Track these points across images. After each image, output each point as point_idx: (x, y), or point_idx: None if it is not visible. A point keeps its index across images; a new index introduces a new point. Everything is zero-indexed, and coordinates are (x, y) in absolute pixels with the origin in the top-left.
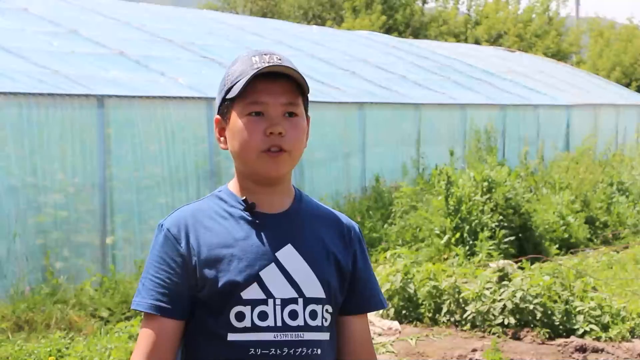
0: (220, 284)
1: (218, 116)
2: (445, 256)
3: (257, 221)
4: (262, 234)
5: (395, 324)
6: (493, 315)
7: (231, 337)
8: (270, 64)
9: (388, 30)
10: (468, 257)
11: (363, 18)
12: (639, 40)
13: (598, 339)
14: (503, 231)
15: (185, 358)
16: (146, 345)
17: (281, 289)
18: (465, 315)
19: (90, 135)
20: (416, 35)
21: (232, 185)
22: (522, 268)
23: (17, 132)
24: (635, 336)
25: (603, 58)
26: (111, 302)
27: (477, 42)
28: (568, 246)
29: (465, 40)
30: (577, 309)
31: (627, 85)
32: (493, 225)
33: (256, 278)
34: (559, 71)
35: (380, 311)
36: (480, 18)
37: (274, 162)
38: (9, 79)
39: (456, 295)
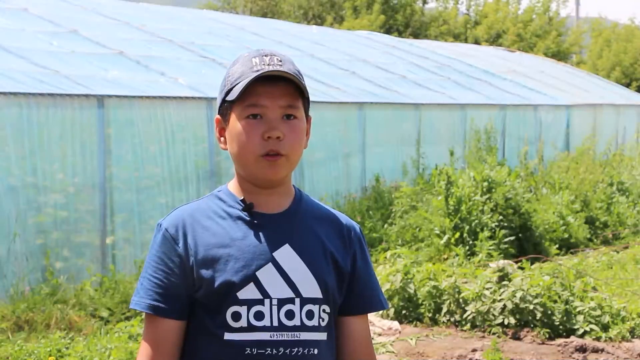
0: (216, 284)
1: (218, 116)
2: (445, 256)
3: (255, 221)
4: (260, 234)
5: (395, 324)
6: (493, 315)
7: (227, 336)
8: (270, 69)
9: (388, 30)
10: (468, 257)
11: (362, 18)
12: (639, 40)
13: (598, 339)
14: (503, 231)
15: (185, 357)
16: (148, 346)
17: (278, 288)
18: (465, 315)
19: (90, 135)
20: (416, 35)
21: (232, 186)
22: (522, 268)
23: (17, 132)
24: (635, 336)
25: (603, 58)
26: (111, 302)
27: (476, 42)
28: (568, 246)
29: (465, 40)
30: (577, 309)
31: (627, 85)
32: (493, 225)
33: (253, 278)
34: (559, 71)
35: (380, 311)
36: (480, 18)
37: (272, 167)
38: (9, 79)
39: (456, 295)
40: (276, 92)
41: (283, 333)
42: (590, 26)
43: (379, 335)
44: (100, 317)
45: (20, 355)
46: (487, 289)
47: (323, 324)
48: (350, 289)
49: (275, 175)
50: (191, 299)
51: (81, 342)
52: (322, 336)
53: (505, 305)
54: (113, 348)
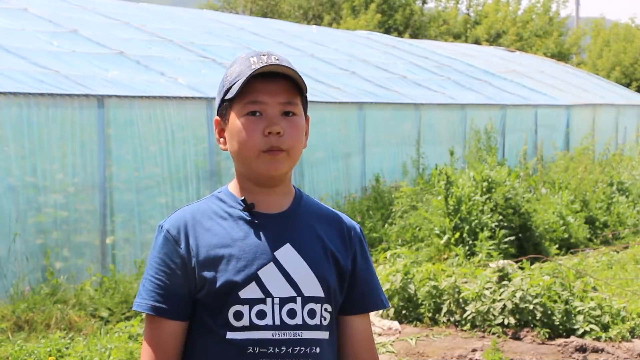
0: (218, 283)
1: (217, 117)
2: (445, 256)
3: (256, 221)
4: (261, 233)
5: (395, 324)
6: (493, 315)
7: (230, 335)
8: (268, 64)
9: (387, 30)
10: (468, 257)
11: (359, 18)
12: (639, 41)
13: (598, 339)
14: (503, 231)
15: (186, 357)
16: (151, 348)
17: (280, 288)
18: (465, 315)
19: (90, 135)
20: (416, 35)
21: (232, 186)
22: (522, 268)
23: (17, 132)
24: (635, 336)
25: (603, 58)
26: (111, 302)
27: (476, 42)
28: (568, 246)
29: (465, 41)
30: (577, 309)
31: (627, 85)
32: (493, 225)
33: (254, 277)
34: (559, 71)
35: (380, 311)
36: (480, 18)
37: (273, 162)
38: (10, 79)
39: (456, 295)
40: (275, 89)
41: (285, 332)
42: (590, 27)
43: (379, 335)
44: (100, 317)
45: (20, 355)
46: (487, 289)
47: (325, 322)
48: (350, 288)
49: (276, 170)
50: (193, 299)
51: (81, 342)
52: (324, 335)
53: (505, 305)
54: (113, 348)
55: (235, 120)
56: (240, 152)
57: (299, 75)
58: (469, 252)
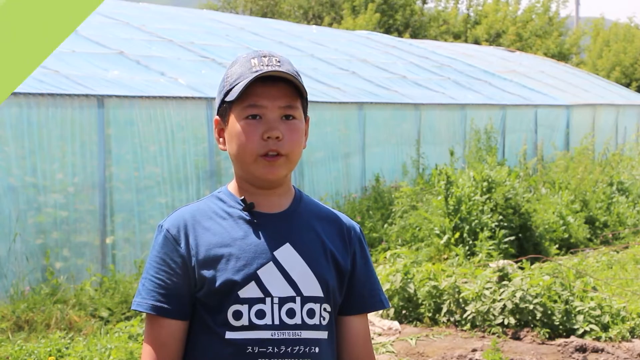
0: (217, 283)
1: (217, 117)
2: (445, 256)
3: (255, 221)
4: (261, 233)
5: (395, 324)
6: (493, 315)
7: (229, 335)
8: (269, 69)
9: (387, 30)
10: (468, 257)
11: (359, 18)
12: (639, 40)
13: (598, 339)
14: (503, 231)
15: (186, 357)
16: (151, 348)
17: (279, 287)
18: (465, 315)
19: (90, 135)
20: (416, 35)
21: (232, 186)
22: (522, 268)
23: (17, 132)
24: (635, 336)
25: (603, 58)
26: (111, 302)
27: (476, 42)
28: (568, 246)
29: (465, 40)
30: (577, 309)
31: (627, 85)
32: (493, 225)
33: (254, 277)
34: (559, 71)
35: (380, 311)
36: (480, 18)
37: (271, 166)
38: None
39: (456, 295)
40: (275, 93)
41: (284, 331)
42: (590, 27)
43: (379, 335)
44: (100, 317)
45: (20, 355)
46: (487, 289)
47: (324, 322)
48: (350, 288)
49: (274, 175)
50: (193, 298)
51: (81, 342)
52: (323, 335)
53: (505, 305)
54: (113, 348)
55: (234, 123)
56: (239, 155)
57: (300, 82)
58: (469, 252)
